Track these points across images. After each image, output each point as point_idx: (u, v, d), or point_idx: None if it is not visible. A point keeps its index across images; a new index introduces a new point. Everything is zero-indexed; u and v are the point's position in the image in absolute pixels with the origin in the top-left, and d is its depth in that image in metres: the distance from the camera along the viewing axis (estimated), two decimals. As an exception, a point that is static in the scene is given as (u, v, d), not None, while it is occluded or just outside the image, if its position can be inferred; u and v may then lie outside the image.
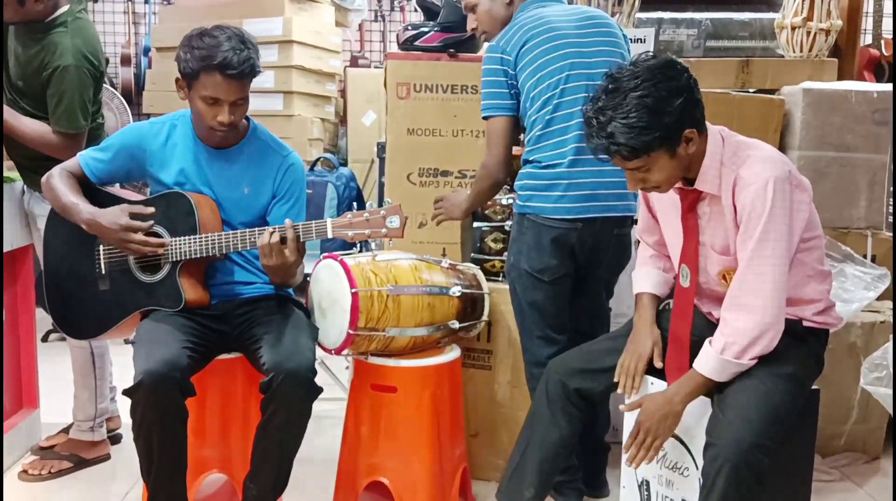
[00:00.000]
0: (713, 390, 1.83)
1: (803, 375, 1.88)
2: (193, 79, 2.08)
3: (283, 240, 2.04)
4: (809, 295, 1.90)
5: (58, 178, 2.22)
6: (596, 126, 1.77)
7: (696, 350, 1.87)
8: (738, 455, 1.68)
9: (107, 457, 2.77)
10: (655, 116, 1.72)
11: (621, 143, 1.73)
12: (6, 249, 2.58)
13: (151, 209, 2.16)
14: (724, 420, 1.74)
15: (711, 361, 1.80)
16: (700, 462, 1.78)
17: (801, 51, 3.17)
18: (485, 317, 2.52)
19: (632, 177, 1.83)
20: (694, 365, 1.84)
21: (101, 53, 2.55)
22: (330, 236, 2.04)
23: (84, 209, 2.16)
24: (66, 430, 2.81)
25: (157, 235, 2.17)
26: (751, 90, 3.06)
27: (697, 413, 1.85)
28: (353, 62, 6.03)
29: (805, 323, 1.91)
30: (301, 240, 2.06)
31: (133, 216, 2.14)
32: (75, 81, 2.42)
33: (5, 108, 2.47)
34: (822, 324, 1.93)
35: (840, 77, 3.17)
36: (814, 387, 1.96)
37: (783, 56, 3.28)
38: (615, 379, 2.00)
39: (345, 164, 4.83)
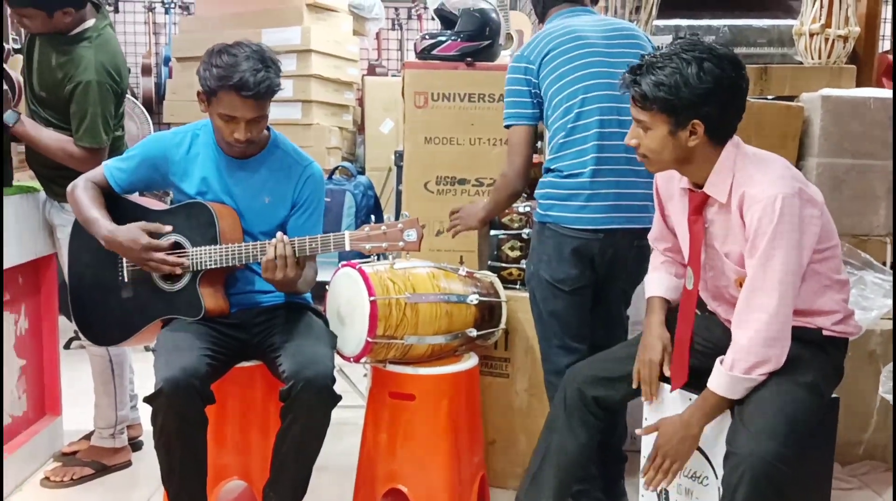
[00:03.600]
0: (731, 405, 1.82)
1: (823, 384, 1.87)
2: (212, 95, 2.11)
3: (283, 257, 2.05)
4: (827, 305, 1.89)
5: (82, 189, 2.25)
6: (639, 70, 1.81)
7: (710, 358, 1.86)
8: (758, 464, 1.67)
9: (128, 464, 2.80)
10: (680, 83, 1.75)
11: (639, 83, 1.79)
12: (30, 257, 2.63)
13: (169, 227, 2.18)
14: (744, 430, 1.74)
15: (722, 379, 1.80)
16: (720, 472, 1.78)
17: (820, 58, 3.16)
18: (502, 325, 2.53)
19: (633, 129, 1.87)
20: (707, 384, 1.84)
21: (123, 69, 2.59)
22: (347, 248, 2.05)
23: (103, 226, 2.18)
24: (87, 437, 2.84)
25: (178, 244, 2.20)
26: (769, 97, 3.05)
27: (717, 422, 1.84)
28: (371, 71, 6.06)
29: (825, 333, 1.90)
30: (310, 254, 2.08)
31: (150, 234, 2.16)
32: (98, 96, 2.46)
33: (28, 120, 2.52)
34: (841, 333, 1.92)
35: (859, 84, 3.15)
36: (833, 396, 1.95)
37: (801, 63, 3.26)
38: (634, 387, 2.00)
39: (362, 172, 4.85)
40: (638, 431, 1.96)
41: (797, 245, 1.75)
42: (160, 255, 2.14)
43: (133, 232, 2.15)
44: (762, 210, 1.74)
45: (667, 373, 1.96)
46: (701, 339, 1.99)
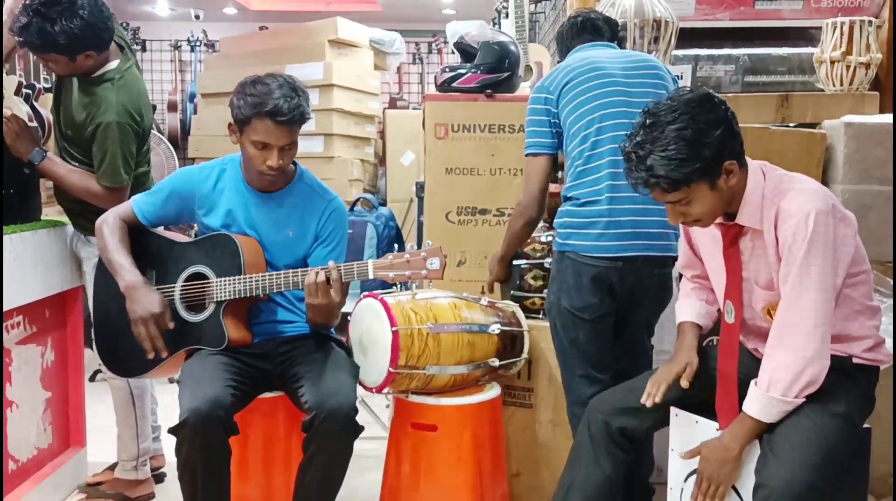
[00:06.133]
0: (766, 431, 1.80)
1: (855, 413, 1.83)
2: (245, 124, 2.14)
3: (327, 280, 2.07)
4: (858, 331, 1.86)
5: (110, 228, 2.28)
6: (635, 160, 1.77)
7: (743, 389, 1.83)
8: (790, 497, 1.64)
9: (151, 496, 2.80)
10: (695, 148, 1.72)
11: (661, 175, 1.73)
12: (56, 290, 2.66)
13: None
14: (775, 461, 1.70)
15: (758, 400, 1.77)
16: (748, 503, 1.74)
17: (842, 85, 3.14)
18: (525, 355, 2.51)
19: (672, 210, 1.83)
20: (743, 407, 1.81)
21: (146, 109, 2.63)
22: (371, 277, 2.06)
23: (130, 274, 2.21)
24: (111, 468, 2.84)
25: (202, 275, 2.22)
26: (791, 125, 3.03)
27: (745, 452, 1.81)
28: (392, 104, 6.14)
29: (855, 360, 1.87)
30: (343, 281, 2.09)
31: (162, 317, 2.17)
32: (118, 137, 2.50)
33: (55, 157, 2.57)
34: (872, 361, 1.89)
35: (882, 110, 3.13)
36: (865, 426, 1.91)
37: (823, 90, 3.25)
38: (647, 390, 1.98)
39: (384, 203, 4.88)
40: (681, 454, 1.93)
41: (832, 263, 1.73)
42: (157, 332, 2.16)
43: (157, 300, 2.17)
44: (796, 225, 1.72)
45: (684, 386, 1.94)
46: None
